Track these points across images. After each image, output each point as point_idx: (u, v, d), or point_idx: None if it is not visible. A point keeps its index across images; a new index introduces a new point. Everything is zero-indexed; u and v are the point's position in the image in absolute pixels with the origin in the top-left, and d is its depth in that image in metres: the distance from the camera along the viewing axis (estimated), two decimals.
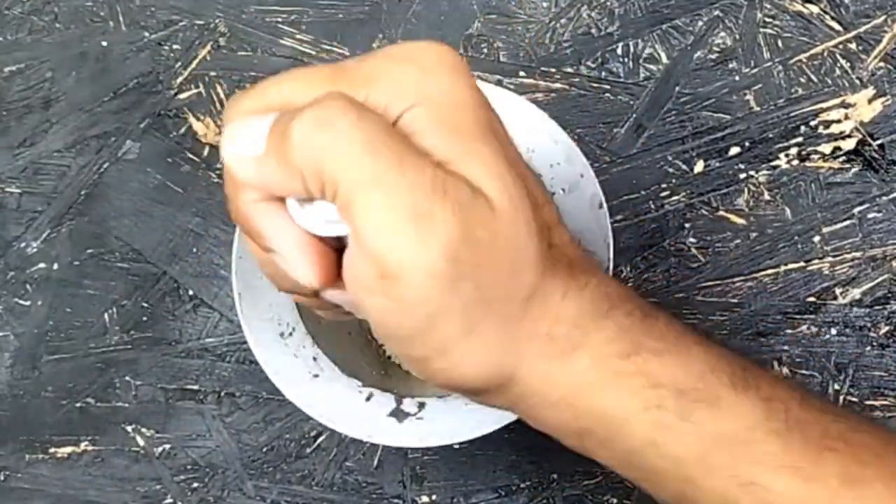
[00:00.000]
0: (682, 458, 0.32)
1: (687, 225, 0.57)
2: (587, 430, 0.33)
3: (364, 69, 0.31)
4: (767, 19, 0.58)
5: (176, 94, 0.60)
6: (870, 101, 0.57)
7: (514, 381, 0.32)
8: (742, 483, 0.32)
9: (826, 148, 0.57)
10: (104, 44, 0.60)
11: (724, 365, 0.33)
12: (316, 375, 0.46)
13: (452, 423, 0.45)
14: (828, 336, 0.56)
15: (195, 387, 0.57)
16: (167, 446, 0.56)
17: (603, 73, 0.58)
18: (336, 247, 0.32)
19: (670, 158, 0.57)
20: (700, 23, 0.58)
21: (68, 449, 0.57)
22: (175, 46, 0.60)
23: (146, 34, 0.60)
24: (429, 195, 0.29)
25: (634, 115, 0.58)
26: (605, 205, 0.46)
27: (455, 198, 0.29)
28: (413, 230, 0.29)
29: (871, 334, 0.56)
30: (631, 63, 0.58)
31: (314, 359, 0.46)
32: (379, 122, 0.30)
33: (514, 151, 0.32)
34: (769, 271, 0.56)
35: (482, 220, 0.30)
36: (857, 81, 0.57)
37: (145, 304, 0.58)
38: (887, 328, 0.56)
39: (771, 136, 0.57)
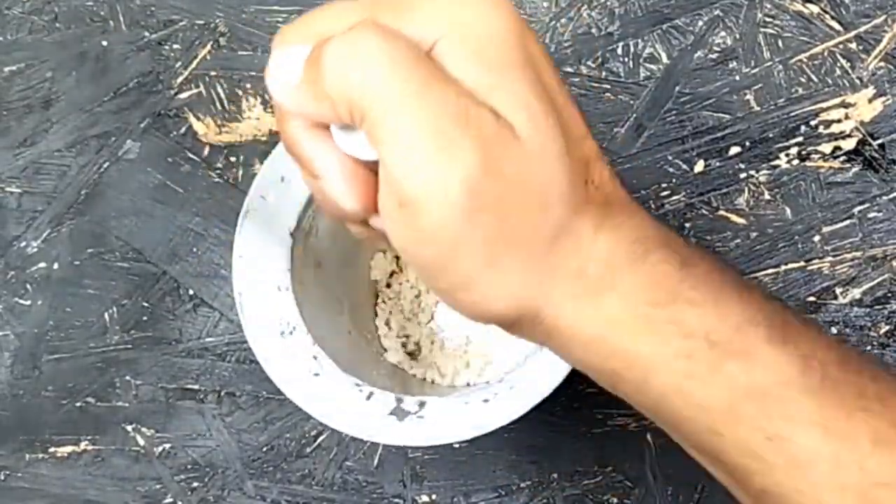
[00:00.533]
0: (709, 408, 0.31)
1: (687, 225, 0.57)
2: (618, 373, 0.32)
3: None
4: (767, 19, 0.58)
5: (176, 93, 0.60)
6: (870, 101, 0.57)
7: (541, 317, 0.32)
8: (769, 436, 0.31)
9: (826, 148, 0.57)
10: (104, 44, 0.60)
11: (763, 318, 0.32)
12: (316, 375, 0.46)
13: (452, 422, 0.45)
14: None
15: (195, 386, 0.57)
16: (167, 446, 0.56)
17: (603, 73, 0.58)
18: None
19: (670, 158, 0.57)
20: (700, 22, 0.58)
21: (68, 448, 0.57)
22: (175, 46, 0.60)
23: (146, 34, 0.60)
24: (451, 123, 0.29)
25: (634, 115, 0.58)
26: None
27: (478, 127, 0.29)
28: (432, 159, 0.29)
29: (871, 334, 0.56)
30: (631, 63, 0.58)
31: (314, 358, 0.46)
32: (407, 47, 0.30)
33: (555, 82, 0.32)
34: (769, 271, 0.56)
35: (506, 152, 0.30)
36: (857, 81, 0.57)
37: (145, 304, 0.58)
38: (887, 328, 0.56)
39: (771, 135, 0.57)
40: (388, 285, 0.56)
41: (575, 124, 0.32)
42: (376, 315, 0.56)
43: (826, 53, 0.58)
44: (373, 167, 0.32)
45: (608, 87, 0.58)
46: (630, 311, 0.31)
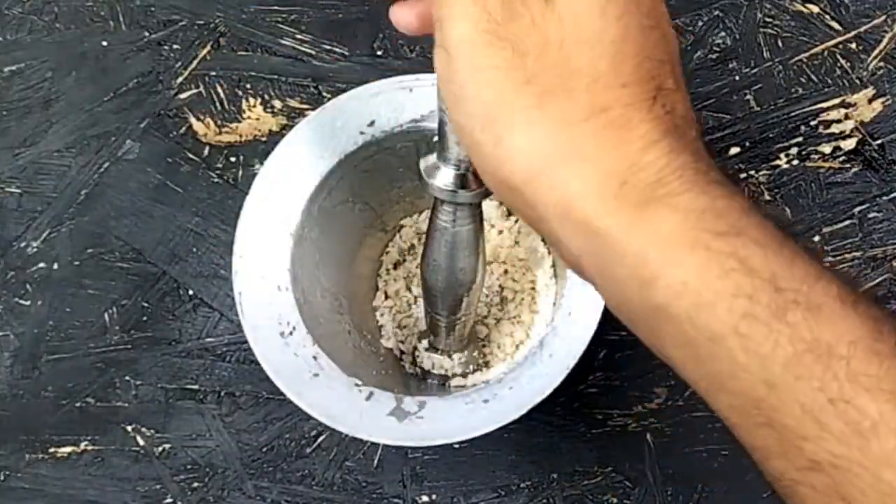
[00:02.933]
0: (768, 358, 0.28)
1: None
2: (662, 309, 0.29)
3: None
4: (767, 19, 0.58)
5: (176, 94, 0.60)
6: (870, 101, 0.57)
7: (573, 210, 0.29)
8: (831, 398, 0.28)
9: (826, 148, 0.57)
10: (104, 44, 0.60)
11: (833, 277, 0.29)
12: (316, 375, 0.46)
13: (452, 422, 0.45)
14: None
15: (195, 386, 0.57)
16: (167, 446, 0.56)
17: None
18: None
19: None
20: (700, 23, 0.58)
21: (68, 449, 0.57)
22: (175, 46, 0.60)
23: (146, 34, 0.60)
24: None
25: None
26: None
27: None
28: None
29: None
30: None
31: (314, 358, 0.46)
32: None
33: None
34: None
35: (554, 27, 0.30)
36: (857, 81, 0.57)
37: (145, 304, 0.58)
38: None
39: (771, 135, 0.57)
40: (387, 284, 0.56)
41: (659, 47, 0.32)
42: (376, 315, 0.56)
43: (826, 53, 0.58)
44: None
45: None
46: (686, 229, 0.28)
